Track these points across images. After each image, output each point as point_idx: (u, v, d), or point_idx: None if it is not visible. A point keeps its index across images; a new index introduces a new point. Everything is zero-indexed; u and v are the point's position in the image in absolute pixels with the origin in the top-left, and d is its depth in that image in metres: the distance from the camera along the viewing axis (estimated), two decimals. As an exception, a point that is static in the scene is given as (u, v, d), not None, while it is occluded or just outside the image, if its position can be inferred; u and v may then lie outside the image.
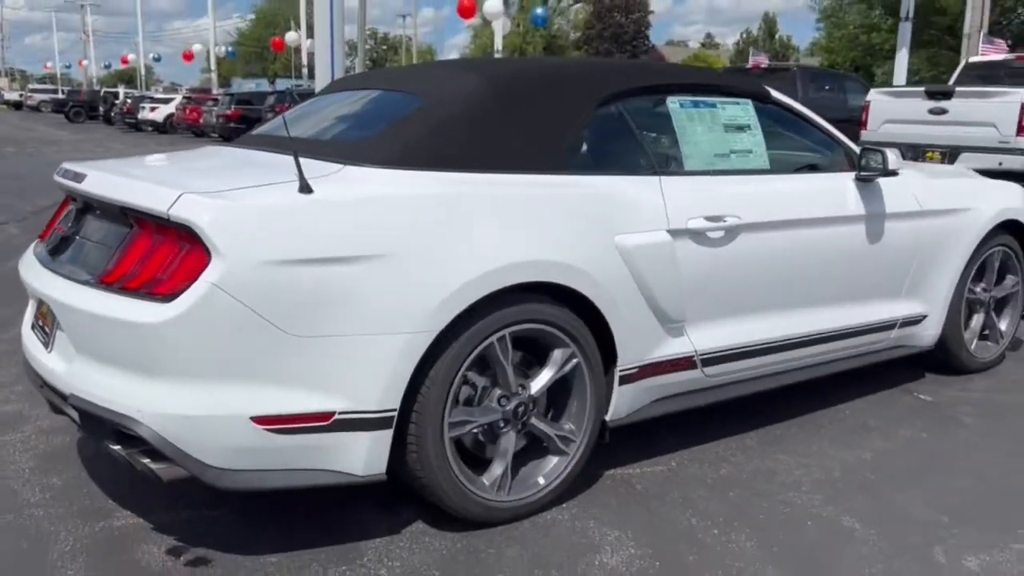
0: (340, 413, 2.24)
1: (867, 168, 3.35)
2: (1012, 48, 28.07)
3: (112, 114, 33.98)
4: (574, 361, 2.64)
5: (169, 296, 2.11)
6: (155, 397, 2.15)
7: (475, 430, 2.54)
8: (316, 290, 2.18)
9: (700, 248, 2.87)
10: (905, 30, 13.07)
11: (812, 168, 3.43)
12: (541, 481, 2.64)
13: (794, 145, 3.44)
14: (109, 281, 2.25)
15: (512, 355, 2.54)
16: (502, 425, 2.56)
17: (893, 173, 3.35)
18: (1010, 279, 4.13)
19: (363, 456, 2.30)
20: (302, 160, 2.32)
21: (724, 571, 2.32)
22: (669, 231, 2.79)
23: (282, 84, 34.55)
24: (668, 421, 3.12)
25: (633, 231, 2.71)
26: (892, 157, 3.34)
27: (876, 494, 2.80)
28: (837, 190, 3.34)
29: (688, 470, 2.96)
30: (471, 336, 2.39)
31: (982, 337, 4.12)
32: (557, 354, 2.62)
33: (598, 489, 2.80)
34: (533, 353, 2.65)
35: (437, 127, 2.56)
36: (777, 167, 3.26)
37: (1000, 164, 8.90)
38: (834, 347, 3.40)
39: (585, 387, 2.68)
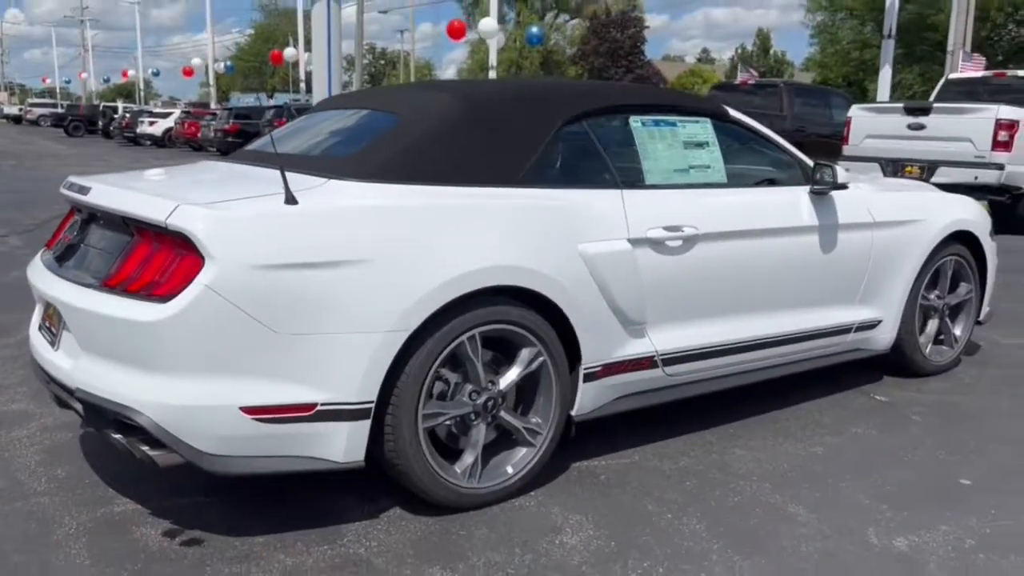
0: (322, 404, 2.46)
1: (820, 182, 3.58)
2: (1003, 64, 28.48)
3: (111, 128, 34.32)
4: (540, 359, 2.86)
5: (167, 297, 2.34)
6: (153, 389, 2.37)
7: (448, 422, 2.76)
8: (300, 292, 2.40)
9: (659, 256, 3.10)
10: (888, 47, 13.37)
11: (769, 182, 3.67)
12: (510, 470, 2.86)
13: (752, 160, 3.67)
14: (112, 284, 2.47)
15: (482, 353, 2.76)
16: (473, 418, 2.77)
17: (843, 187, 3.59)
18: (963, 287, 4.36)
19: (343, 444, 2.51)
20: (289, 174, 2.55)
21: (673, 549, 2.54)
22: (629, 240, 3.01)
23: (281, 99, 34.92)
24: (634, 417, 3.35)
25: (595, 240, 2.94)
26: (841, 172, 3.57)
27: (821, 484, 3.02)
28: (791, 202, 3.57)
29: (650, 462, 3.18)
30: (443, 335, 2.62)
31: (937, 342, 4.34)
32: (524, 353, 2.84)
33: (564, 479, 3.02)
34: (502, 352, 2.87)
35: (412, 144, 2.80)
36: (735, 181, 3.49)
37: (976, 178, 9.20)
38: (791, 349, 3.62)
39: (551, 384, 2.90)
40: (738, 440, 3.40)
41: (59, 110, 47.30)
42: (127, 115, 33.65)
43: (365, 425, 2.53)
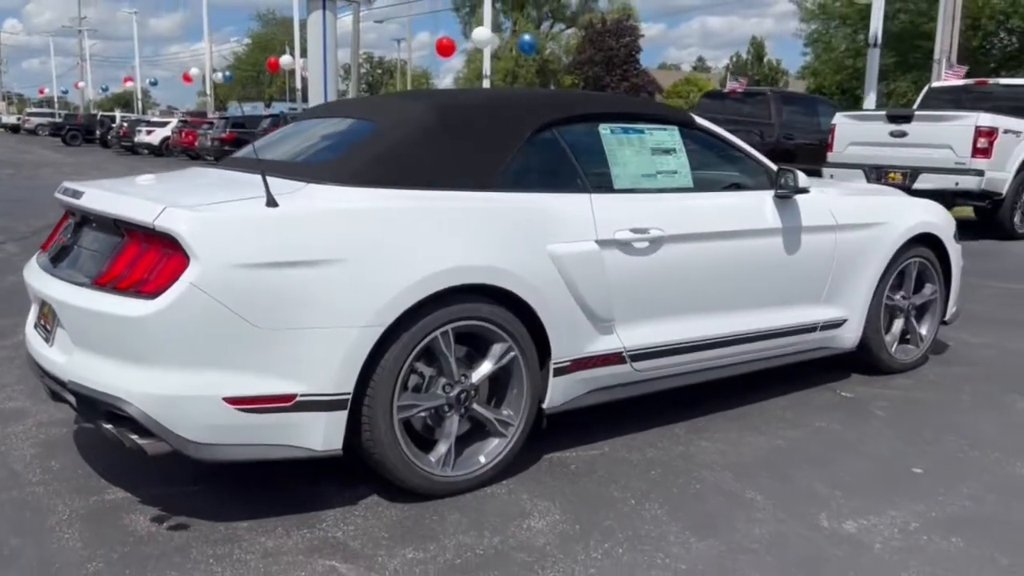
0: (301, 395, 2.61)
1: (783, 186, 3.74)
2: (996, 72, 28.68)
3: (108, 137, 34.48)
4: (511, 354, 3.01)
5: (154, 294, 2.49)
6: (142, 381, 2.52)
7: (423, 413, 2.91)
8: (280, 289, 2.56)
9: (626, 256, 3.26)
10: (873, 56, 13.58)
11: (735, 187, 3.83)
12: (482, 460, 3.01)
13: (718, 166, 3.83)
14: (103, 283, 2.62)
15: (456, 348, 2.91)
16: (446, 409, 2.92)
17: (804, 191, 3.75)
18: (928, 287, 4.52)
19: (322, 433, 2.66)
20: (271, 179, 2.70)
21: (634, 532, 2.69)
22: (597, 241, 3.17)
23: (278, 107, 35.10)
24: (606, 410, 3.51)
25: (564, 241, 3.09)
26: (803, 177, 3.73)
27: (780, 473, 3.17)
28: (755, 206, 3.73)
29: (619, 453, 3.33)
30: (417, 331, 2.77)
31: (904, 341, 4.50)
32: (496, 348, 2.99)
33: (536, 469, 3.16)
34: (475, 347, 3.02)
35: (388, 150, 2.96)
36: (701, 186, 3.65)
37: (957, 184, 9.38)
38: (757, 347, 3.78)
39: (522, 377, 3.05)
40: (705, 433, 3.55)
41: (57, 119, 47.52)
42: (124, 124, 33.81)
43: (342, 415, 2.68)
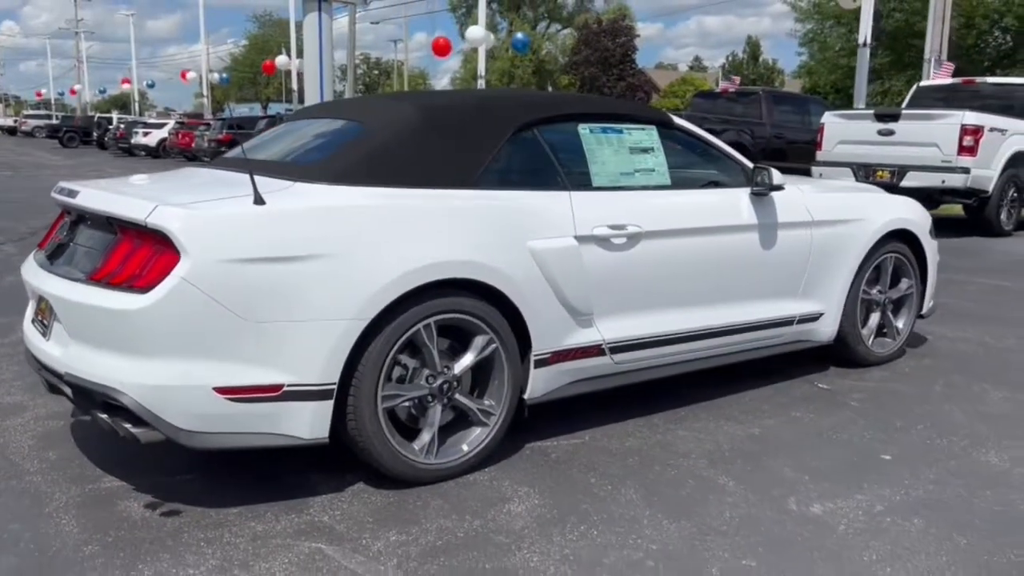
0: (288, 385, 2.72)
1: (759, 184, 3.86)
2: (991, 70, 28.76)
3: (105, 139, 34.57)
4: (493, 346, 3.12)
5: (147, 289, 2.60)
6: (135, 372, 2.62)
7: (406, 403, 3.02)
8: (268, 283, 2.66)
9: (605, 252, 3.37)
10: (863, 55, 13.70)
11: (713, 184, 3.94)
12: (465, 448, 3.12)
13: (696, 164, 3.95)
14: (98, 278, 2.73)
15: (438, 341, 3.02)
16: (429, 399, 3.03)
17: (779, 188, 3.86)
18: (905, 282, 4.64)
19: (308, 422, 2.77)
20: (260, 178, 2.82)
21: (608, 515, 2.80)
22: (576, 237, 3.28)
23: (275, 108, 35.20)
24: (587, 401, 3.62)
25: (544, 237, 3.21)
26: (777, 174, 3.84)
27: (754, 460, 3.28)
28: (732, 203, 3.84)
29: (599, 442, 3.44)
30: (400, 324, 2.88)
31: (880, 334, 4.61)
32: (478, 340, 3.10)
33: (517, 457, 3.28)
34: (458, 339, 3.13)
35: (373, 150, 3.07)
36: (680, 184, 3.76)
37: (943, 182, 9.50)
38: (734, 339, 3.89)
39: (503, 369, 3.16)
40: (683, 423, 3.67)
41: (54, 121, 47.59)
42: (121, 126, 33.92)
43: (328, 405, 2.79)
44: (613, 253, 3.39)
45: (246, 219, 2.69)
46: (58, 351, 2.87)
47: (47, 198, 3.25)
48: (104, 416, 2.72)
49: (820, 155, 10.63)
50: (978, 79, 12.08)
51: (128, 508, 2.84)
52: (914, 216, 4.59)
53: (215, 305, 2.60)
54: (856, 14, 14.50)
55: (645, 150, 3.67)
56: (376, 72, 74.18)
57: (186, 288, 2.57)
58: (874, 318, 4.55)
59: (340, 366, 2.77)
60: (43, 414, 3.70)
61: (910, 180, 9.62)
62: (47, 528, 2.69)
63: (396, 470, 2.96)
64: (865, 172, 10.03)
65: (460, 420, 3.17)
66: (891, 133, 9.89)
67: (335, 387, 2.78)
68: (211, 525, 2.71)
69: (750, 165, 3.96)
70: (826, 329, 4.28)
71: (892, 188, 8.65)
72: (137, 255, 2.68)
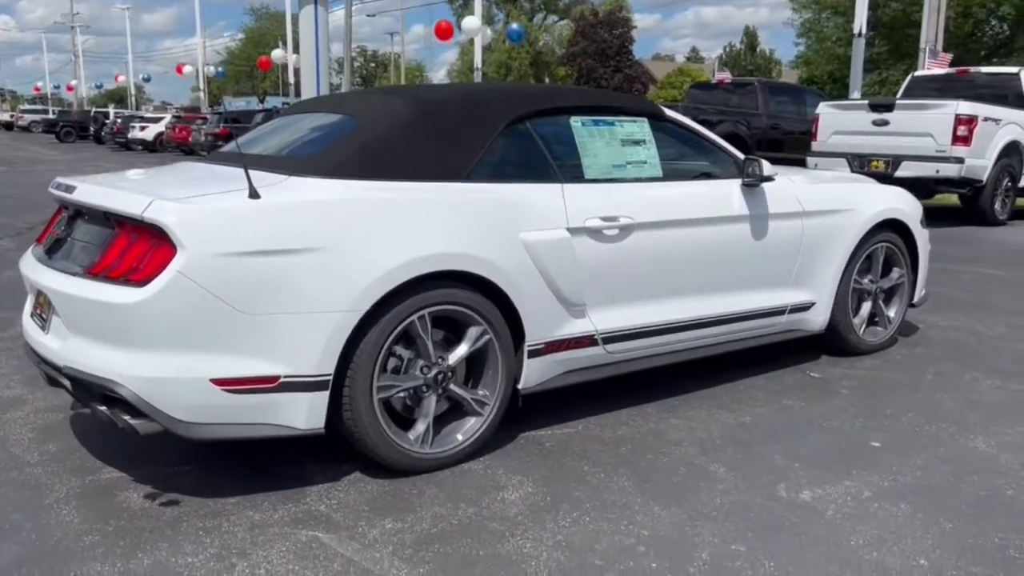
0: (284, 377, 2.76)
1: (750, 175, 3.89)
2: (988, 59, 28.73)
3: (102, 134, 34.52)
4: (486, 337, 3.16)
5: (143, 282, 2.63)
6: (133, 364, 2.66)
7: (401, 394, 3.06)
8: (263, 276, 2.70)
9: (597, 243, 3.41)
10: (859, 45, 13.71)
11: (704, 176, 3.98)
12: (460, 438, 3.16)
13: (688, 156, 3.98)
14: (95, 272, 2.77)
15: (433, 332, 3.06)
16: (424, 390, 3.08)
17: (769, 179, 3.90)
18: (896, 271, 4.68)
19: (304, 413, 2.81)
20: (254, 172, 2.85)
21: (601, 502, 2.85)
22: (568, 229, 3.32)
23: (272, 102, 35.16)
24: (581, 391, 3.66)
25: (536, 229, 3.24)
26: (767, 165, 3.88)
27: (745, 448, 3.33)
28: (723, 194, 3.88)
29: (592, 431, 3.48)
30: (395, 315, 2.92)
31: (872, 323, 4.66)
32: (472, 331, 3.14)
33: (512, 447, 3.32)
34: (452, 330, 3.16)
35: (367, 144, 3.11)
36: (671, 175, 3.80)
37: (938, 172, 9.54)
38: (726, 329, 3.93)
39: (497, 359, 3.20)
40: (676, 412, 3.71)
41: (50, 116, 47.48)
42: (118, 120, 33.86)
43: (324, 396, 2.83)
44: (605, 245, 3.43)
45: (241, 213, 2.72)
46: (57, 344, 2.90)
47: (44, 193, 3.28)
48: (103, 408, 2.76)
49: (815, 145, 10.66)
50: (972, 69, 12.10)
51: (127, 498, 2.88)
52: (905, 206, 4.63)
53: (211, 298, 2.64)
54: (852, 3, 14.50)
55: (637, 142, 3.70)
56: (373, 65, 74.00)
57: (182, 281, 2.61)
58: (865, 307, 4.59)
59: (336, 357, 2.81)
60: (43, 407, 3.74)
61: (905, 170, 9.65)
62: (48, 519, 2.73)
63: (392, 459, 3.00)
64: (860, 162, 10.06)
65: (455, 410, 3.21)
66: (886, 123, 9.92)
67: (331, 378, 2.82)
68: (209, 514, 2.76)
69: (741, 156, 3.99)
70: (818, 318, 4.33)
71: (887, 178, 8.70)
72: (134, 249, 2.71)
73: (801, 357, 4.52)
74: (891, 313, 4.71)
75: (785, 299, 4.14)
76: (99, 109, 45.51)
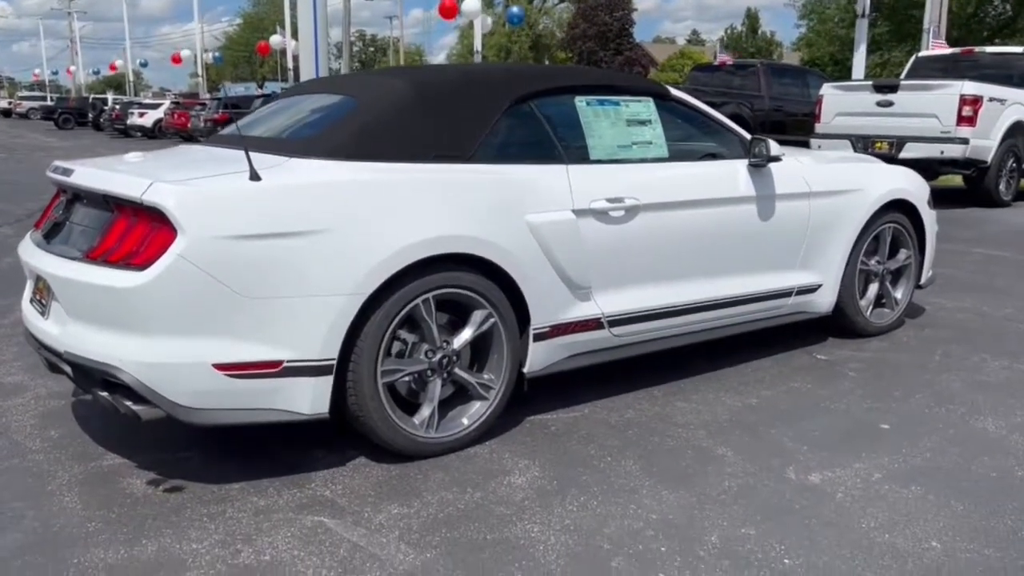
0: (288, 361, 2.73)
1: (757, 155, 3.84)
2: (991, 39, 28.51)
3: (101, 120, 34.36)
4: (491, 321, 3.12)
5: (144, 266, 2.59)
6: (134, 349, 2.63)
7: (406, 378, 3.02)
8: (265, 259, 2.66)
9: (602, 225, 3.36)
10: (862, 26, 13.60)
11: (711, 156, 3.92)
12: (465, 422, 3.13)
13: (694, 136, 3.93)
14: (95, 256, 2.73)
15: (437, 316, 3.02)
16: (429, 374, 3.04)
17: (776, 159, 3.85)
18: (903, 252, 4.63)
19: (309, 397, 2.78)
20: (255, 154, 2.80)
21: (608, 486, 2.82)
22: (574, 211, 3.28)
23: (271, 87, 34.96)
24: (587, 374, 3.63)
25: (541, 211, 3.20)
26: (775, 145, 3.82)
27: (752, 430, 3.30)
28: (730, 174, 3.83)
29: (599, 415, 3.45)
30: (399, 299, 2.88)
31: (879, 304, 4.62)
32: (476, 315, 3.11)
33: (517, 431, 3.29)
34: (457, 314, 3.13)
35: (368, 125, 3.06)
36: (677, 156, 3.75)
37: (942, 153, 9.46)
38: (733, 311, 3.89)
39: (502, 343, 3.16)
40: (682, 394, 3.68)
41: (49, 103, 47.26)
42: (117, 107, 33.68)
43: (328, 380, 2.79)
44: (611, 226, 3.38)
45: (242, 195, 2.68)
46: (57, 330, 2.87)
47: (43, 180, 3.24)
48: (104, 394, 2.73)
49: (819, 127, 10.58)
50: (977, 49, 12.00)
51: (130, 485, 2.85)
52: (912, 187, 4.58)
53: (212, 281, 2.60)
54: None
55: (642, 122, 3.65)
56: (372, 49, 73.64)
57: (183, 265, 2.57)
58: (872, 289, 4.55)
59: (339, 341, 2.77)
60: (44, 393, 3.71)
61: (909, 151, 9.58)
62: (51, 506, 2.71)
63: (397, 444, 2.97)
64: (864, 144, 9.99)
65: (460, 394, 3.18)
66: (890, 104, 9.84)
67: (335, 362, 2.78)
68: (213, 500, 2.73)
69: (748, 136, 3.94)
70: (824, 300, 4.29)
71: (891, 159, 8.62)
72: (134, 232, 2.67)
73: (807, 339, 4.49)
74: (898, 295, 4.67)
75: (792, 281, 4.10)
76: (97, 95, 45.29)
